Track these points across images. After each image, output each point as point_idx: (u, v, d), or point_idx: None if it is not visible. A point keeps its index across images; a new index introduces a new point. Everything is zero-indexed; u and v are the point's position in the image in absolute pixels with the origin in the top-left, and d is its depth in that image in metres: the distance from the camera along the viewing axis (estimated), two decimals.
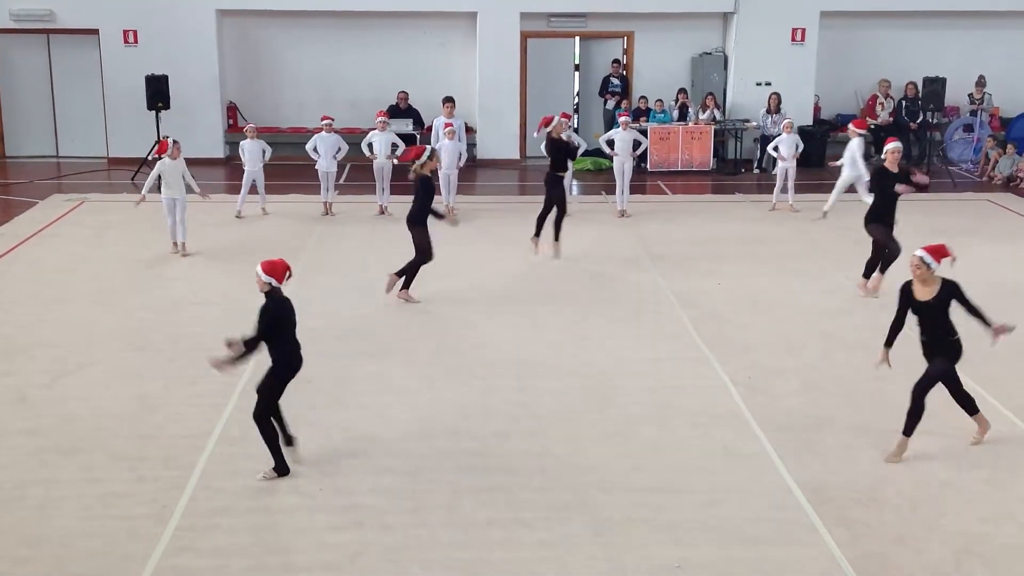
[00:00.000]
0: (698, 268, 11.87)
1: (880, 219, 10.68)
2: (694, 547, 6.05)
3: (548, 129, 12.51)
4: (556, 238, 12.13)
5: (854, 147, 13.45)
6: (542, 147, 14.52)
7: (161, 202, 12.28)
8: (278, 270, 6.67)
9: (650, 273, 11.68)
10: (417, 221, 10.42)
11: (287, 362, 6.76)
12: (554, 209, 12.15)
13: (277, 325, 6.65)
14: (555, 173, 12.23)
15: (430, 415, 7.84)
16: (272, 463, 6.82)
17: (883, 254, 10.74)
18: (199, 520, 6.31)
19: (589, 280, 11.42)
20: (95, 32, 18.11)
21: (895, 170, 10.62)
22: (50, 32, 18.35)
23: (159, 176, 12.16)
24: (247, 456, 7.07)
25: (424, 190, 10.35)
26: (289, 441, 6.98)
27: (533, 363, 8.90)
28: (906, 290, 7.14)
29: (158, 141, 15.76)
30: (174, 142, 12.32)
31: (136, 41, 18.07)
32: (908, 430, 7.09)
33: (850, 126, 13.88)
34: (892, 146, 10.70)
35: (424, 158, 10.32)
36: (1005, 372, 8.67)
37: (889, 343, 7.26)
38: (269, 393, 6.76)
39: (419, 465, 7.02)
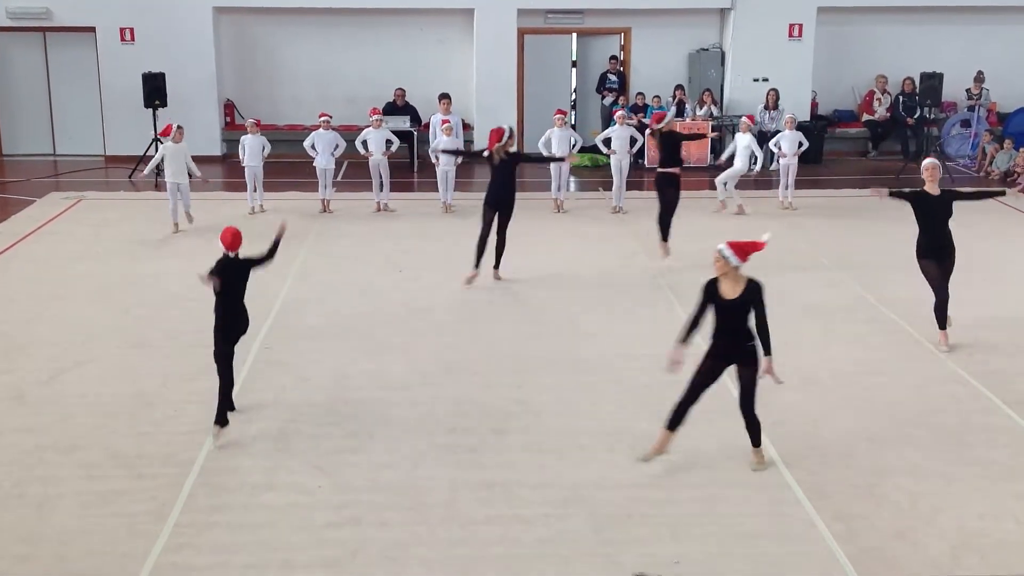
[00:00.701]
0: (695, 264, 11.83)
1: (928, 255, 8.94)
2: (693, 543, 6.06)
3: (660, 126, 12.04)
4: (664, 238, 11.90)
5: (745, 141, 14.26)
6: (540, 143, 14.52)
7: (163, 193, 12.71)
8: (224, 239, 7.30)
9: (647, 269, 11.68)
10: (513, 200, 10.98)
11: (223, 322, 7.31)
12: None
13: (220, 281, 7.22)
14: (667, 172, 11.87)
15: (428, 412, 7.84)
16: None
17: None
18: (198, 517, 6.31)
19: (586, 277, 11.41)
20: (92, 30, 18.08)
21: (936, 193, 8.86)
22: (47, 30, 18.29)
23: (162, 159, 12.70)
24: (246, 453, 7.08)
25: (510, 167, 10.90)
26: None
27: (531, 359, 8.90)
28: (710, 287, 6.65)
29: (155, 139, 15.78)
30: (178, 127, 12.85)
31: (133, 39, 18.04)
32: (756, 441, 6.94)
33: (743, 119, 14.85)
34: (927, 162, 9.03)
35: (504, 139, 10.81)
36: (1004, 366, 8.69)
37: (684, 340, 6.74)
38: (218, 345, 7.33)
39: (418, 462, 7.03)
